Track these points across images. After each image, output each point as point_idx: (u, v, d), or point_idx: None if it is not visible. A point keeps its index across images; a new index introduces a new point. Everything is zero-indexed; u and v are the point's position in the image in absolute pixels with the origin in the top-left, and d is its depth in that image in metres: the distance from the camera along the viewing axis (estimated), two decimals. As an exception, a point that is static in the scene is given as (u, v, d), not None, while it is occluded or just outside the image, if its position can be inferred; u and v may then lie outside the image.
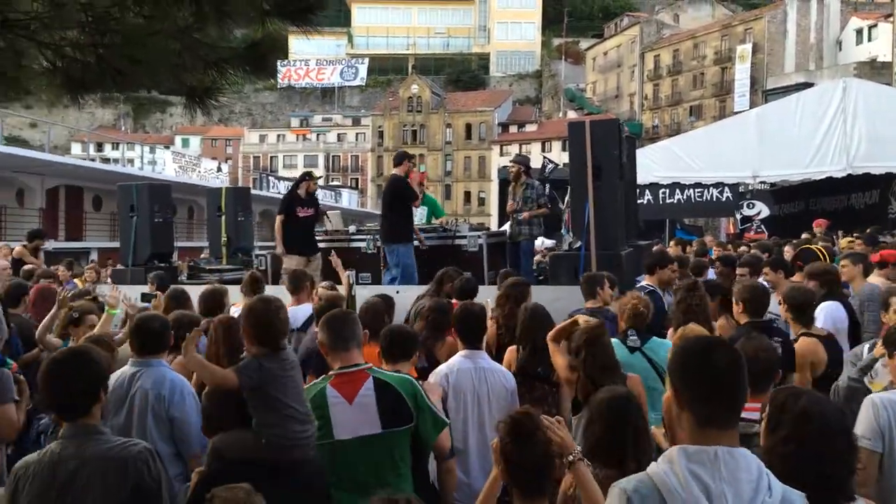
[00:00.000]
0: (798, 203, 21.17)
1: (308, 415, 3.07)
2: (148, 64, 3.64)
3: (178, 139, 79.28)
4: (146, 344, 3.88)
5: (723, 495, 1.79)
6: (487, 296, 5.85)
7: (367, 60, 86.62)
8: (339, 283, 6.58)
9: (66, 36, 3.78)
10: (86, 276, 10.52)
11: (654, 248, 9.37)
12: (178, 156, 37.91)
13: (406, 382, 3.32)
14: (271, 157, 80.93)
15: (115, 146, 63.44)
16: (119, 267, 10.53)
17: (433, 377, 3.99)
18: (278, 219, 9.37)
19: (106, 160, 51.27)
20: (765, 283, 6.47)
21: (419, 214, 9.61)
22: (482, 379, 3.95)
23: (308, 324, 5.78)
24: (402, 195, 8.39)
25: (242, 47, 4.18)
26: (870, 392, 3.70)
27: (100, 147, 67.56)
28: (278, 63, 77.87)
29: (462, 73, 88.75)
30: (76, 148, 66.50)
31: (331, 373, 3.30)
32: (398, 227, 8.36)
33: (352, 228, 10.19)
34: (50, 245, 26.05)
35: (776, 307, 6.15)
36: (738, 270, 6.91)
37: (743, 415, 2.96)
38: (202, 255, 14.40)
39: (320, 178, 10.84)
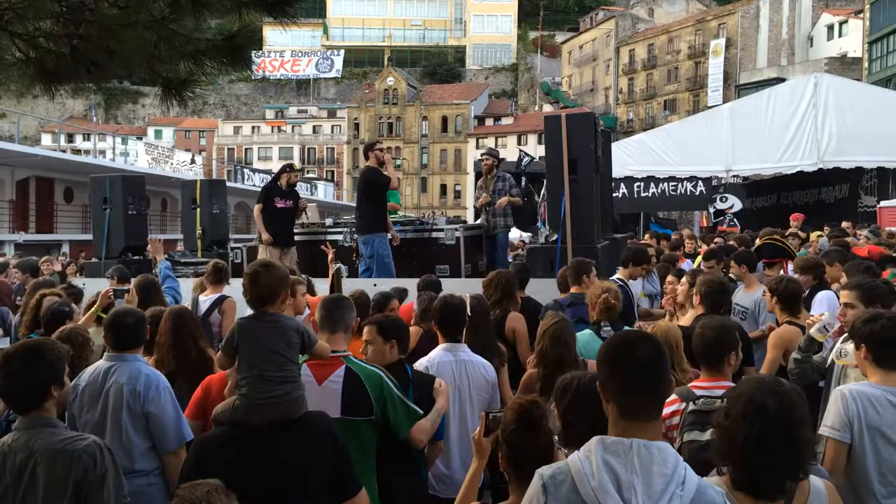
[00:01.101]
0: (770, 197, 21.47)
1: (285, 377, 3.01)
2: (123, 55, 3.58)
3: (150, 130, 78.29)
4: (121, 339, 3.85)
5: (632, 486, 1.84)
6: (465, 288, 5.85)
7: (342, 52, 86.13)
8: (322, 276, 6.58)
9: (40, 26, 3.71)
10: (43, 268, 10.34)
11: (633, 243, 9.47)
12: (151, 147, 37.45)
13: (375, 377, 3.40)
14: (246, 149, 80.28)
15: (87, 137, 62.37)
16: (92, 260, 10.40)
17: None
18: (256, 208, 9.36)
19: (77, 151, 50.50)
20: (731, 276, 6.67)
21: None
22: (463, 371, 3.97)
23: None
24: (375, 185, 8.35)
25: (219, 39, 4.14)
26: (815, 368, 3.93)
27: (71, 138, 66.52)
28: (253, 54, 77.10)
29: (438, 66, 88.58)
30: (46, 139, 65.40)
31: None
32: (373, 218, 8.33)
33: (328, 221, 10.15)
34: (20, 237, 25.68)
35: (743, 300, 6.28)
36: (705, 264, 7.03)
37: (704, 393, 3.06)
38: (177, 248, 14.26)
39: (301, 170, 10.72)
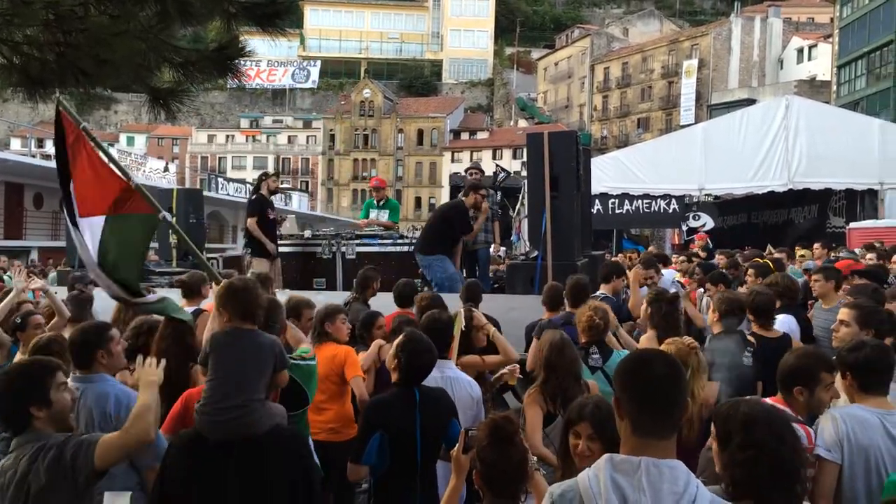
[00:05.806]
0: (741, 216, 21.79)
1: (244, 399, 2.96)
2: (113, 64, 3.55)
3: (122, 137, 77.35)
4: (81, 357, 3.62)
5: None
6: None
7: (319, 63, 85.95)
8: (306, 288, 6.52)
9: (28, 34, 3.66)
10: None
11: (608, 259, 9.56)
12: (124, 154, 37.01)
13: None
14: (220, 158, 79.59)
15: (57, 142, 61.43)
16: (66, 268, 10.23)
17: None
18: (251, 221, 9.13)
19: (47, 156, 49.61)
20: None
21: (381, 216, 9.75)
22: (448, 388, 3.93)
23: None
24: (455, 222, 8.09)
25: (210, 50, 4.12)
26: None
27: (41, 143, 65.44)
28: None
29: (415, 79, 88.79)
30: (16, 143, 64.32)
31: None
32: (434, 242, 8.11)
33: (307, 233, 10.07)
34: (-13, 243, 25.18)
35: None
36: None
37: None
38: (151, 258, 14.05)
39: (275, 174, 10.58)
